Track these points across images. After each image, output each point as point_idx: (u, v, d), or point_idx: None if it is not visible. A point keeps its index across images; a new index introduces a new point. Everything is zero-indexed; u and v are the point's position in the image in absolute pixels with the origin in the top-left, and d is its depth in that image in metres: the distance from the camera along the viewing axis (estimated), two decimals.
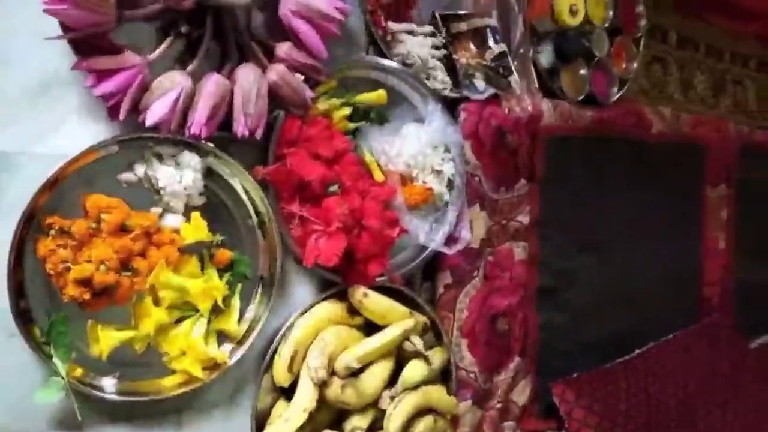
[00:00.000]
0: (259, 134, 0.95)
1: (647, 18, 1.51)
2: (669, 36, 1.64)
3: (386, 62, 1.12)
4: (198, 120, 0.89)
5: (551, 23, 1.32)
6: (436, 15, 1.20)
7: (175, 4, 0.87)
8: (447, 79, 1.19)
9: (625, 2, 1.46)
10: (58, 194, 0.86)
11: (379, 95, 1.10)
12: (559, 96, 1.36)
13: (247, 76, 0.94)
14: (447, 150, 1.16)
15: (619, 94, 1.47)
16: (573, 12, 1.31)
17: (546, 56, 1.35)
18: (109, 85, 0.84)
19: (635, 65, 1.49)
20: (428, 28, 1.19)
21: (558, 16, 1.30)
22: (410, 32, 1.16)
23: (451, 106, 1.20)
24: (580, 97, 1.39)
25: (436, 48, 1.19)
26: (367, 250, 1.04)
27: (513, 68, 1.24)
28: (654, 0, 1.55)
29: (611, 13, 1.43)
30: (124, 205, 0.87)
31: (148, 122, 0.87)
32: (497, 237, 1.27)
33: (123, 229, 0.87)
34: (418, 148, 1.12)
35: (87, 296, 0.83)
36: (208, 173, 0.96)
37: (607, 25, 1.43)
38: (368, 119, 1.11)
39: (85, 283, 0.83)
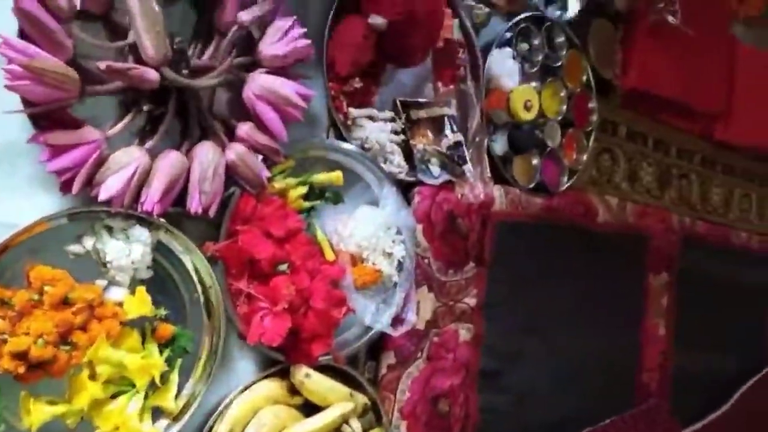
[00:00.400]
0: (212, 212, 0.97)
1: (599, 113, 1.59)
2: (619, 129, 1.72)
3: (345, 145, 1.15)
4: (152, 197, 0.91)
5: (507, 116, 1.38)
6: (397, 102, 1.24)
7: (139, 84, 0.89)
8: (403, 163, 1.23)
9: (578, 98, 1.53)
10: (2, 263, 0.86)
11: (336, 177, 1.13)
12: (511, 183, 1.41)
13: (205, 153, 0.96)
14: (399, 232, 1.19)
15: (569, 184, 1.53)
16: (527, 108, 1.37)
17: (500, 145, 1.41)
18: (64, 161, 0.85)
19: (585, 157, 1.56)
20: (389, 114, 1.23)
21: (513, 110, 1.36)
22: (371, 117, 1.20)
23: (406, 189, 1.24)
24: (531, 185, 1.45)
25: (395, 133, 1.23)
26: (312, 330, 1.05)
27: (467, 157, 1.29)
28: (606, 96, 1.63)
29: (565, 107, 1.50)
30: (68, 278, 0.87)
31: (101, 197, 0.88)
32: (443, 318, 1.29)
33: (65, 302, 0.87)
34: (370, 231, 1.14)
35: (22, 369, 0.82)
36: (158, 245, 0.97)
37: (560, 118, 1.49)
38: (324, 198, 1.14)
39: (21, 356, 0.82)
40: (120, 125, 0.92)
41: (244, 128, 1.01)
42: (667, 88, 1.70)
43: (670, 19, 1.60)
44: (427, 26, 1.14)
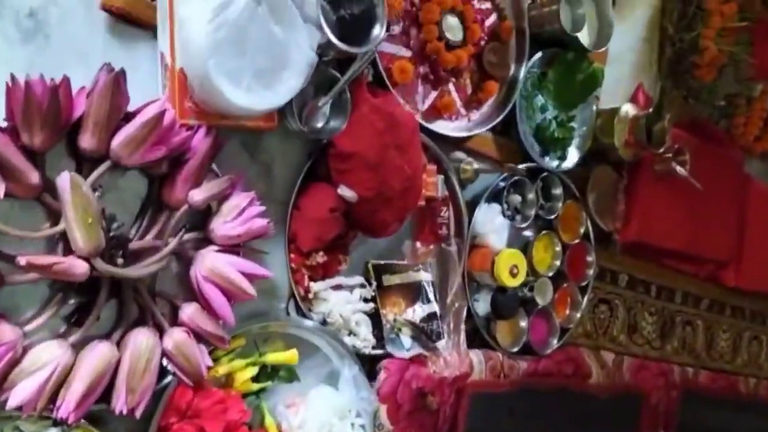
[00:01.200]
0: (138, 413, 0.87)
1: (597, 262, 1.48)
2: (619, 278, 1.61)
3: (305, 322, 1.06)
4: (68, 403, 0.81)
5: (491, 278, 1.27)
6: (369, 266, 1.15)
7: (66, 278, 0.81)
8: (370, 336, 1.12)
9: (574, 250, 1.42)
10: None
11: (291, 356, 1.03)
12: (493, 346, 1.30)
13: (139, 344, 0.87)
14: (358, 415, 1.09)
15: (559, 344, 1.41)
16: (513, 274, 1.26)
17: (483, 305, 1.30)
18: None
19: (579, 314, 1.45)
20: (358, 279, 1.13)
21: (497, 276, 1.25)
22: (336, 286, 1.10)
23: (372, 360, 1.14)
24: (515, 349, 1.33)
25: (365, 300, 1.13)
26: None
27: (443, 331, 1.18)
28: (605, 246, 1.52)
29: (558, 262, 1.39)
30: None
31: (10, 404, 0.79)
32: None
33: None
34: (324, 419, 1.04)
35: None
36: None
37: (551, 273, 1.39)
38: (276, 377, 1.04)
39: None
40: (41, 319, 0.83)
41: (188, 311, 0.92)
42: (671, 240, 1.59)
43: (679, 170, 1.50)
44: (401, 202, 1.05)
